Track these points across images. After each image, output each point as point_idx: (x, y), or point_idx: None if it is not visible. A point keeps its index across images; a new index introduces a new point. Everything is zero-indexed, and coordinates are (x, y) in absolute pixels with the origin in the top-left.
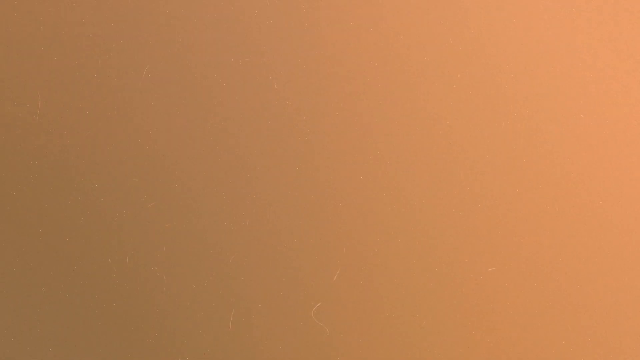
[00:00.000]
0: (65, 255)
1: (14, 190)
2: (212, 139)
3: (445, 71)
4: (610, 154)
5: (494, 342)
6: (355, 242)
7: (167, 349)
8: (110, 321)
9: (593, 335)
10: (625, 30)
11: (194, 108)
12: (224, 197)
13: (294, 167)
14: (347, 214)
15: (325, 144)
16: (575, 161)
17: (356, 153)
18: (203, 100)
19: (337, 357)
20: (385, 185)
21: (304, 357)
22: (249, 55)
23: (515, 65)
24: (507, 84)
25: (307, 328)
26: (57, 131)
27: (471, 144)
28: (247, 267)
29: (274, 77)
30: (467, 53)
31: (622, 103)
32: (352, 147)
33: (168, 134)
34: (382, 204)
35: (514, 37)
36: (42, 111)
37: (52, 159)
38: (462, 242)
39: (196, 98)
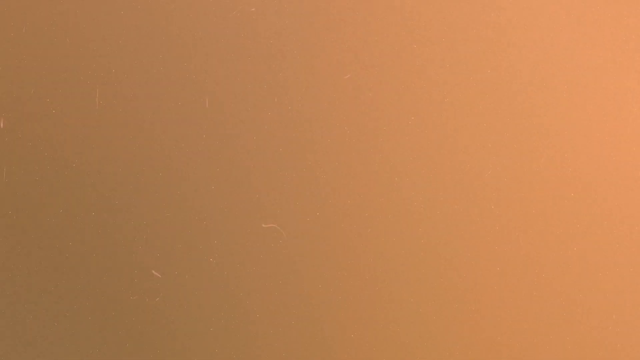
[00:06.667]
0: (65, 255)
1: (14, 190)
2: (215, 138)
3: (449, 71)
4: (610, 154)
5: (495, 343)
6: (355, 242)
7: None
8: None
9: (593, 335)
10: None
11: (194, 108)
12: (227, 199)
13: (294, 168)
14: (347, 213)
15: (327, 144)
16: (578, 163)
17: (359, 153)
18: (204, 100)
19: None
20: (387, 185)
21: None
22: (252, 55)
23: (515, 65)
24: (507, 84)
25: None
26: (58, 130)
27: (472, 145)
28: (246, 267)
29: (275, 78)
30: (468, 53)
31: (623, 103)
32: (354, 147)
33: (170, 132)
34: (385, 204)
35: (515, 36)
36: (43, 109)
37: (51, 158)
38: (463, 241)
39: (196, 98)
